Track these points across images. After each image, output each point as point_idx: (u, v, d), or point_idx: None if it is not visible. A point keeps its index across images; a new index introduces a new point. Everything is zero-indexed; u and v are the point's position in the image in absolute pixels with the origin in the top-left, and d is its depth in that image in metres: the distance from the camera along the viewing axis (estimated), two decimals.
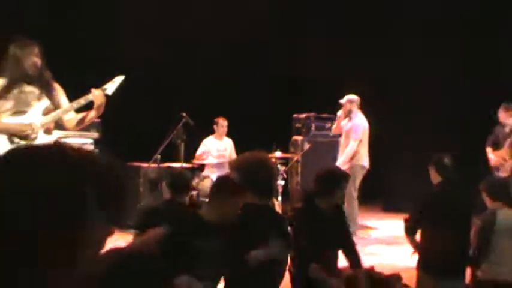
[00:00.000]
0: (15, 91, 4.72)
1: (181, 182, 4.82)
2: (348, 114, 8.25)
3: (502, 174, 7.80)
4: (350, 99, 8.25)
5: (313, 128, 9.34)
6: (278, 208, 7.87)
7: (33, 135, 4.76)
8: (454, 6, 9.79)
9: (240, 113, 9.78)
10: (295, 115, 9.70)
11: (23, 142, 4.68)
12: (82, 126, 5.06)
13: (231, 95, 10.50)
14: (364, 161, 8.20)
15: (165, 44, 10.07)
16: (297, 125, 9.61)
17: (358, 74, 9.73)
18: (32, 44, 4.83)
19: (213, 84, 10.62)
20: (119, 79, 4.95)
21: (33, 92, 4.81)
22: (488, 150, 8.15)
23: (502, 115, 8.07)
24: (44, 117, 4.80)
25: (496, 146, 8.17)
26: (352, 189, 7.99)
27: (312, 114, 9.38)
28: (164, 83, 10.14)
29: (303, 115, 9.53)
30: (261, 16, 10.50)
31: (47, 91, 4.89)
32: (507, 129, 8.08)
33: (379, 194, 10.28)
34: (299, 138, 9.43)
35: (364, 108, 8.37)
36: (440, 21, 9.86)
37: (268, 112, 10.46)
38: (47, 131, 4.90)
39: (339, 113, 8.43)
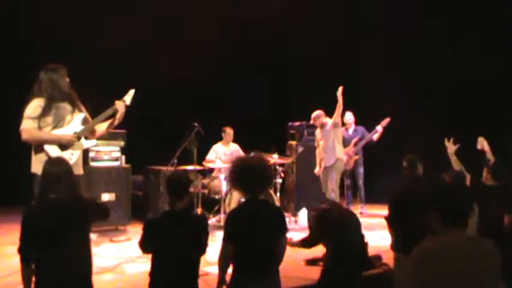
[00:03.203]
0: (53, 108, 4.91)
1: (180, 187, 3.75)
2: (322, 125, 8.34)
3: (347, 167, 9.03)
4: (316, 116, 8.31)
5: (305, 134, 9.24)
6: (277, 202, 7.91)
7: (79, 142, 5.00)
8: None
9: (244, 121, 9.80)
10: (290, 123, 9.63)
11: (70, 149, 4.94)
12: (107, 132, 5.34)
13: (238, 106, 10.42)
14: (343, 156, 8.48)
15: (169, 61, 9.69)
16: (292, 132, 9.55)
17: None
18: (63, 67, 5.06)
19: (223, 98, 10.43)
20: (131, 92, 5.25)
21: (66, 107, 5.00)
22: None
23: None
24: (83, 127, 5.05)
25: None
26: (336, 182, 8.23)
27: (304, 122, 9.28)
28: (176, 96, 9.92)
29: (297, 123, 9.45)
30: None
31: (78, 106, 5.10)
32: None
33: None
34: (294, 142, 9.39)
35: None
36: None
37: (268, 121, 10.41)
38: (87, 138, 5.16)
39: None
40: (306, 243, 5.29)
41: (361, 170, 9.42)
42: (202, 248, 3.70)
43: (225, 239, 3.57)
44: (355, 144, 9.28)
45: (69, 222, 3.48)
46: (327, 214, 4.92)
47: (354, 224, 5.00)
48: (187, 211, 3.76)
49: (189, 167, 7.89)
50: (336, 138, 8.30)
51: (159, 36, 9.69)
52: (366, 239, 5.15)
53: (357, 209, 9.11)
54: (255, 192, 3.63)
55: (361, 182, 9.46)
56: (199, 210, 8.01)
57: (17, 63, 8.37)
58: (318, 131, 8.56)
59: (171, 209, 3.71)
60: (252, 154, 4.28)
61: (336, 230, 4.78)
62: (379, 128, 9.16)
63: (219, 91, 10.35)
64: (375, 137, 9.23)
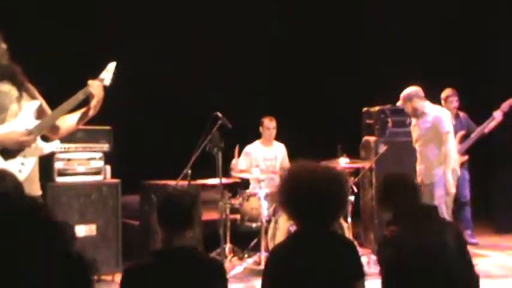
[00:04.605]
0: None
1: (178, 212, 3.69)
2: (415, 113, 7.96)
3: None
4: (407, 96, 7.95)
5: (389, 124, 9.08)
6: (348, 232, 7.78)
7: (33, 145, 4.81)
8: None
9: (292, 109, 10.18)
10: (365, 108, 9.47)
11: (19, 155, 4.74)
12: (78, 127, 5.25)
13: (279, 86, 10.88)
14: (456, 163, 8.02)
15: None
16: (368, 121, 9.40)
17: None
18: None
19: (255, 74, 10.79)
20: (111, 66, 5.17)
21: (8, 91, 4.84)
22: None
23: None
24: (39, 122, 4.84)
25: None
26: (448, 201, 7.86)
27: (388, 106, 9.06)
28: (192, 76, 10.23)
29: (376, 108, 9.26)
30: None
31: (27, 89, 4.92)
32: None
33: (491, 212, 10.23)
34: (372, 138, 9.23)
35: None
36: None
37: (330, 107, 10.47)
38: (46, 138, 4.96)
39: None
40: None
41: (466, 176, 9.32)
42: None
43: None
44: (462, 140, 9.12)
45: None
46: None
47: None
48: (190, 251, 3.66)
49: (211, 181, 7.98)
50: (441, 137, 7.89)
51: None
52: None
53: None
54: (320, 222, 3.61)
55: (467, 195, 9.35)
56: (227, 247, 8.06)
57: None
58: (413, 123, 8.20)
59: (165, 247, 3.64)
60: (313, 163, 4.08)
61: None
62: (497, 115, 9.04)
63: (252, 67, 10.88)
64: (489, 127, 9.21)
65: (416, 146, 8.05)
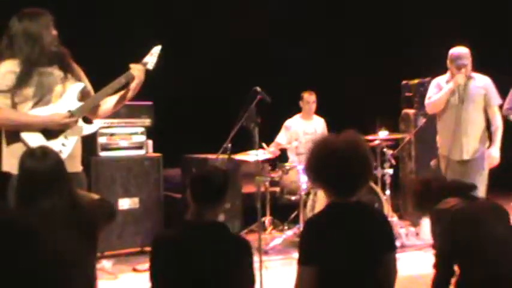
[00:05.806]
0: (35, 75, 4.82)
1: (208, 189, 3.67)
2: (469, 73, 6.87)
3: None
4: (468, 52, 6.84)
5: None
6: (386, 205, 7.79)
7: (75, 126, 4.92)
8: None
9: (330, 83, 9.98)
10: (404, 81, 9.40)
11: (61, 136, 4.86)
12: (115, 109, 5.26)
13: (318, 60, 10.74)
14: None
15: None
16: (407, 94, 9.33)
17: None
18: (46, 13, 4.92)
19: (292, 49, 10.69)
20: (156, 50, 5.18)
21: (54, 73, 4.91)
22: None
23: None
24: (82, 103, 4.93)
25: None
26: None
27: (427, 79, 8.59)
28: (230, 52, 10.29)
29: (415, 81, 9.17)
30: None
31: (71, 71, 5.00)
32: None
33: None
34: (411, 111, 9.19)
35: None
36: None
37: (368, 80, 10.43)
38: (87, 120, 5.08)
39: (445, 78, 7.00)
40: (438, 272, 4.31)
41: None
42: (246, 282, 3.67)
43: (302, 263, 3.48)
44: None
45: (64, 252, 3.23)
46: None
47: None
48: (219, 226, 3.69)
49: (249, 157, 7.86)
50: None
51: None
52: None
53: None
54: (346, 192, 3.55)
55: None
56: (267, 219, 8.23)
57: None
58: (449, 85, 6.91)
59: (195, 220, 3.62)
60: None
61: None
62: None
63: (289, 42, 10.87)
64: None
65: (454, 110, 6.80)
